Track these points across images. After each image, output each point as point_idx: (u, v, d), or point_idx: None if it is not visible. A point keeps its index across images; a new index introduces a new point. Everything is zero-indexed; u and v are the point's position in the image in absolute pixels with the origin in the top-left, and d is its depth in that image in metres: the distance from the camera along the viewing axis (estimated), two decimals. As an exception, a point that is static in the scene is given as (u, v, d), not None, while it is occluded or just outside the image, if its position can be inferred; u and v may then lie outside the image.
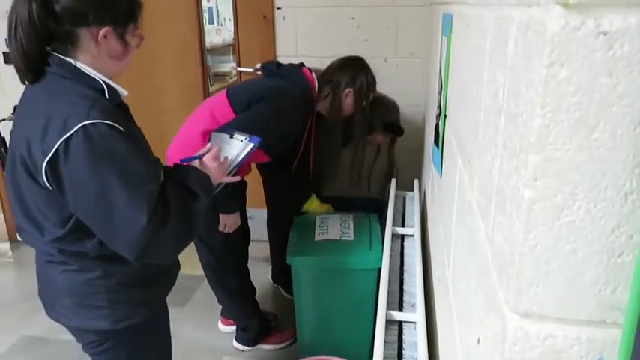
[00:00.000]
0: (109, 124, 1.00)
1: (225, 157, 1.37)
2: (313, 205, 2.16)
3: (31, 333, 2.25)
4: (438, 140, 1.28)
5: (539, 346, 0.43)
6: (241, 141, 1.44)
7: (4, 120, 2.80)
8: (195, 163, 1.27)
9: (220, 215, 1.85)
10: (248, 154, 1.41)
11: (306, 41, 2.51)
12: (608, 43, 0.34)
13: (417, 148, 2.52)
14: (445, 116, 1.18)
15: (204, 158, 1.28)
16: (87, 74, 1.07)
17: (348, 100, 1.90)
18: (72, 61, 1.06)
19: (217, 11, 3.95)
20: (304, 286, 1.88)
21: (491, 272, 0.53)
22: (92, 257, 1.14)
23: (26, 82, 1.11)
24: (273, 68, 1.93)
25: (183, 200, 1.13)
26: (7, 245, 3.10)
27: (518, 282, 0.42)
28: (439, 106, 1.30)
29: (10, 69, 2.64)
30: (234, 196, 1.85)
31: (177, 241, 1.13)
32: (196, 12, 2.66)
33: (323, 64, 2.04)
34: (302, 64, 1.96)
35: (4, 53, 2.71)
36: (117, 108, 1.09)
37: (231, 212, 1.85)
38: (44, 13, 1.01)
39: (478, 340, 0.57)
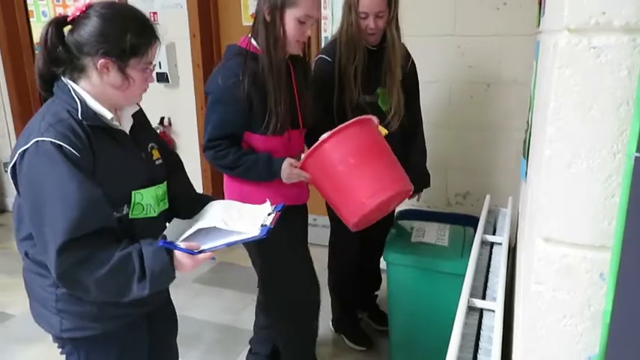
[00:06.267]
0: (58, 144, 1.07)
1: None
2: None
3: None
4: (524, 152, 1.44)
5: (557, 263, 0.62)
6: (262, 225, 1.30)
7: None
8: (178, 255, 1.19)
9: None
10: (242, 241, 1.28)
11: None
12: (596, 53, 0.54)
13: (516, 170, 2.61)
14: (531, 131, 1.34)
15: (194, 258, 1.19)
16: (72, 95, 1.16)
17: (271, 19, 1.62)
18: (68, 83, 1.17)
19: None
20: (398, 283, 2.07)
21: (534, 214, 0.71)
22: (46, 265, 1.17)
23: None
24: None
25: (128, 273, 1.13)
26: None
27: (542, 214, 0.61)
28: (527, 122, 1.46)
29: (159, 87, 3.18)
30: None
31: (100, 295, 1.15)
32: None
33: (426, 88, 2.25)
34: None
35: (157, 73, 3.25)
36: (94, 130, 1.15)
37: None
38: (58, 40, 1.15)
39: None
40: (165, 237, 1.24)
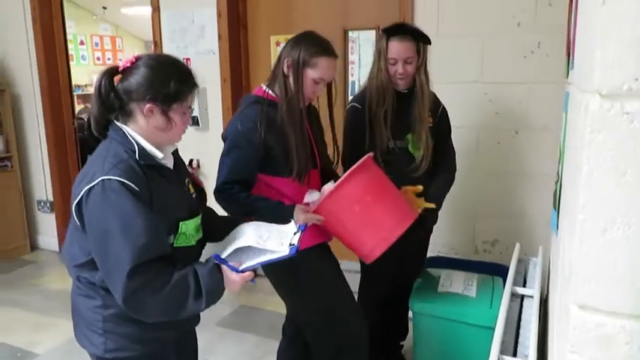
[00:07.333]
0: (123, 182, 1.20)
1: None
2: None
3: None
4: (555, 203, 1.41)
5: (594, 331, 0.59)
6: (290, 244, 1.40)
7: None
8: (227, 271, 1.30)
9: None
10: (275, 260, 1.36)
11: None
12: (630, 119, 0.53)
13: (546, 218, 2.56)
14: (561, 183, 1.31)
15: (240, 275, 1.31)
16: (128, 138, 1.29)
17: (290, 73, 1.73)
18: (122, 127, 1.30)
19: (359, 85, 4.40)
20: (424, 333, 2.01)
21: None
22: (98, 287, 1.31)
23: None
24: None
25: (185, 291, 1.24)
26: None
27: (576, 280, 0.59)
28: (558, 173, 1.43)
29: (189, 129, 3.25)
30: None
31: (160, 313, 1.26)
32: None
33: (454, 134, 2.24)
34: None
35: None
36: (148, 169, 1.28)
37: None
38: (110, 88, 1.29)
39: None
40: (216, 255, 1.34)
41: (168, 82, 1.28)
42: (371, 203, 1.72)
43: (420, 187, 1.98)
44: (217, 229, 1.53)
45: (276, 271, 1.83)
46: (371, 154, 1.81)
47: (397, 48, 1.94)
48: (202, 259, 1.41)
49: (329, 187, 1.74)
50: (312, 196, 1.77)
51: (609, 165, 0.55)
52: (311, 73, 1.72)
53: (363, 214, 1.71)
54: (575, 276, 0.59)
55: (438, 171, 2.16)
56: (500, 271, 2.32)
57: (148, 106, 1.27)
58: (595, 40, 0.55)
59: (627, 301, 0.57)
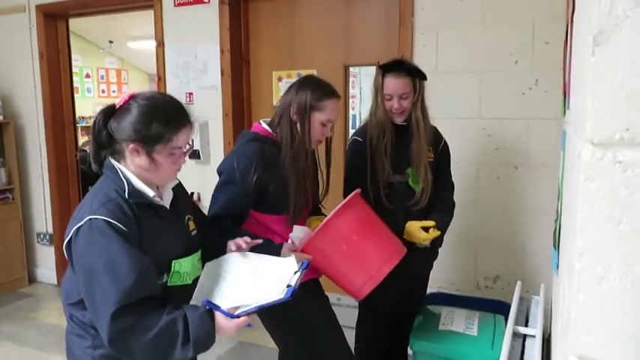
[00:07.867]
0: (109, 221, 1.19)
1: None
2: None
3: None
4: (555, 242, 1.39)
5: (593, 383, 0.57)
6: (287, 285, 1.34)
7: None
8: (220, 318, 1.25)
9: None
10: (271, 304, 1.28)
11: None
12: (623, 168, 0.53)
13: (547, 254, 2.53)
14: (561, 223, 1.31)
15: (235, 322, 1.25)
16: (120, 175, 1.29)
17: (298, 119, 1.75)
18: (115, 165, 1.31)
19: (360, 119, 4.46)
20: (425, 374, 1.96)
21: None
22: (88, 327, 1.30)
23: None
24: None
25: (173, 337, 1.19)
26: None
27: (575, 329, 0.58)
28: (557, 211, 1.42)
29: (190, 163, 3.25)
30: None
31: (146, 358, 1.22)
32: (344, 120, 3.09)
33: (453, 169, 2.24)
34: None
35: (189, 150, 3.36)
36: (139, 207, 1.26)
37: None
38: (102, 126, 1.30)
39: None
40: (207, 300, 1.29)
41: (150, 123, 1.27)
42: (358, 242, 1.71)
43: (432, 222, 1.97)
44: (217, 254, 1.52)
45: (266, 313, 1.81)
46: (358, 190, 1.81)
47: (392, 84, 1.96)
48: (203, 280, 1.41)
49: (300, 229, 1.75)
50: (295, 234, 1.77)
51: (604, 214, 0.54)
52: (319, 116, 1.74)
53: (350, 252, 1.71)
54: (574, 325, 0.58)
55: (437, 206, 2.15)
56: (503, 308, 2.28)
57: (131, 146, 1.28)
58: (586, 89, 0.56)
59: (626, 353, 0.55)
